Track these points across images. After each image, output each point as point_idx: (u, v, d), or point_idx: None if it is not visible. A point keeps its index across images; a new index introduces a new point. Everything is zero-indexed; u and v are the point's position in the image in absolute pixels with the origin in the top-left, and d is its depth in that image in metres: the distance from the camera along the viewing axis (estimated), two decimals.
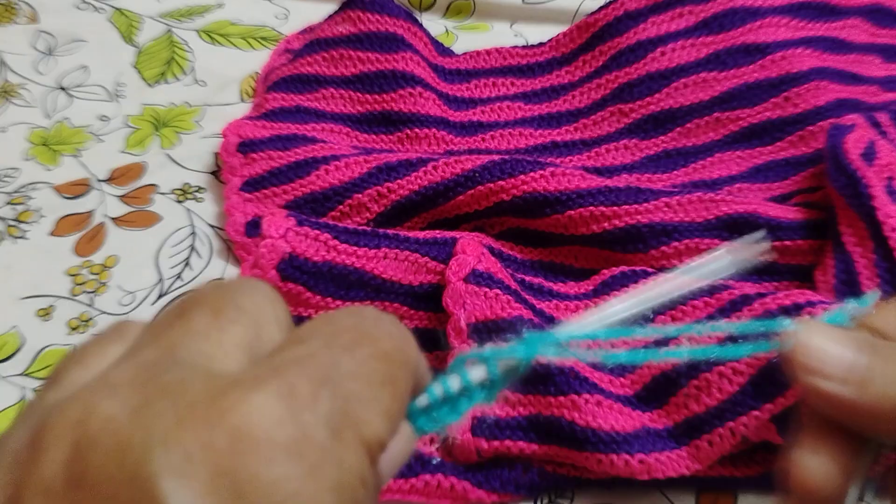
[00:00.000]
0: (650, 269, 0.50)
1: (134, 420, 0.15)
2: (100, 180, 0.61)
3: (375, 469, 0.18)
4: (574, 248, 0.53)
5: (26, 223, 0.58)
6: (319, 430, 0.16)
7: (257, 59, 0.70)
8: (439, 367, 0.46)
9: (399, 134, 0.61)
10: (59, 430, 0.15)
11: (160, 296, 0.54)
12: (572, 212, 0.51)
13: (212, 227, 0.57)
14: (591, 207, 0.51)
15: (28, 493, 0.14)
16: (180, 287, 0.54)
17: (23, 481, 0.15)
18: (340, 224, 0.53)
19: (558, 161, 0.59)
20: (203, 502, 0.14)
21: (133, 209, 0.59)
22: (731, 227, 0.51)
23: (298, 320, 0.38)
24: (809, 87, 0.58)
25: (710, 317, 0.44)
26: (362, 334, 0.19)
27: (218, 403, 0.15)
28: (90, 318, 0.52)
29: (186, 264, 0.55)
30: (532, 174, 0.52)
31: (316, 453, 0.16)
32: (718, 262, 0.23)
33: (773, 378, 0.40)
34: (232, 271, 0.55)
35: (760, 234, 0.24)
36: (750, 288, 0.46)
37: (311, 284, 0.49)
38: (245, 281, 0.19)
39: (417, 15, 0.72)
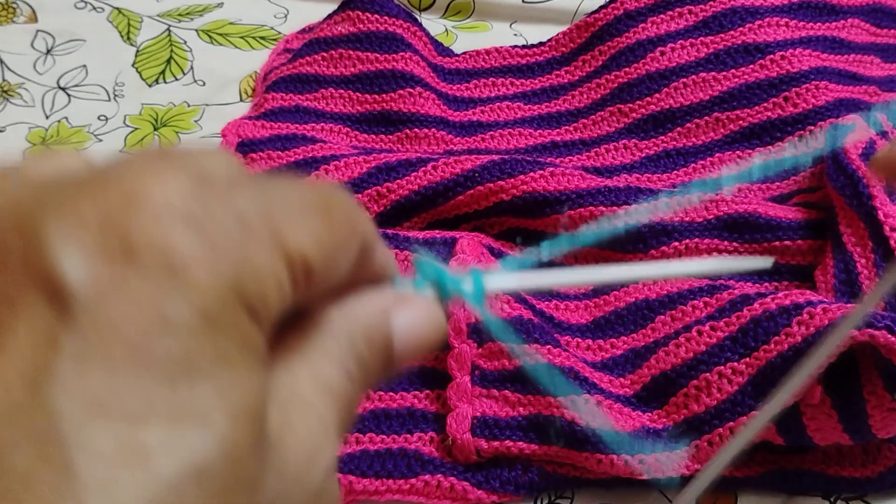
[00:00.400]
0: None
1: (40, 198, 0.14)
2: None
3: (296, 292, 0.16)
4: (573, 248, 0.53)
5: None
6: (228, 217, 0.15)
7: (257, 59, 0.70)
8: (439, 368, 0.46)
9: (399, 134, 0.61)
10: None
11: None
12: (572, 212, 0.51)
13: None
14: (590, 207, 0.51)
15: None
16: None
17: None
18: None
19: (558, 161, 0.59)
20: (90, 258, 0.13)
21: None
22: (731, 227, 0.51)
23: None
24: (809, 87, 0.58)
25: (710, 317, 0.44)
26: (305, 180, 0.17)
27: (125, 176, 0.14)
28: None
29: None
30: (531, 174, 0.52)
31: (218, 232, 0.14)
32: (714, 264, 0.23)
33: (772, 378, 0.40)
34: None
35: (769, 261, 0.22)
36: (750, 288, 0.46)
37: None
38: (201, 146, 0.18)
39: (417, 15, 0.72)
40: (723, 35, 0.61)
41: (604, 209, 0.51)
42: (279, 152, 0.58)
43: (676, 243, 0.51)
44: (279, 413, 0.16)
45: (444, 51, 0.68)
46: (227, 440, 0.13)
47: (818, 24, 0.64)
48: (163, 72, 0.69)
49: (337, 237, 0.17)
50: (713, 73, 0.60)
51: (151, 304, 0.13)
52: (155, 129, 0.65)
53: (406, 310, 0.18)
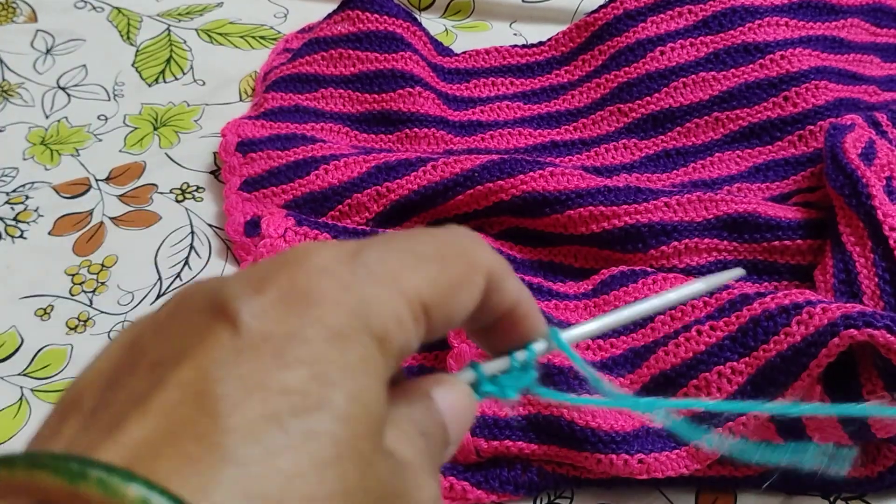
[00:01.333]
0: (649, 269, 0.50)
1: (224, 277, 0.20)
2: (99, 180, 0.61)
3: (418, 329, 0.20)
4: (573, 247, 0.53)
5: (25, 223, 0.58)
6: (358, 269, 0.19)
7: (256, 59, 0.70)
8: (439, 367, 0.46)
9: (398, 133, 0.61)
10: (175, 295, 0.20)
11: (158, 296, 0.54)
12: (572, 211, 0.51)
13: (211, 226, 0.57)
14: (590, 207, 0.51)
15: (143, 325, 0.20)
16: (179, 287, 0.54)
17: (140, 321, 0.20)
18: (340, 224, 0.53)
19: (557, 161, 0.59)
20: (255, 298, 0.18)
21: (132, 209, 0.59)
22: (731, 227, 0.51)
23: None
24: (809, 87, 0.58)
25: (710, 317, 0.44)
26: (427, 231, 0.22)
27: (284, 254, 0.20)
28: (89, 318, 0.52)
29: (185, 264, 0.55)
30: (531, 174, 0.52)
31: (349, 279, 0.19)
32: (694, 286, 0.26)
33: (772, 378, 0.40)
34: (231, 271, 0.55)
35: (740, 272, 0.27)
36: (749, 287, 0.46)
37: None
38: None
39: (417, 14, 0.72)
40: (722, 35, 0.61)
41: (603, 209, 0.51)
42: (279, 152, 0.58)
43: (676, 243, 0.51)
44: (394, 433, 0.20)
45: (444, 50, 0.68)
46: (340, 411, 0.17)
47: (818, 23, 0.64)
48: (162, 71, 0.69)
49: (451, 277, 0.21)
50: (713, 73, 0.60)
51: (292, 323, 0.18)
52: (155, 128, 0.65)
53: (442, 389, 0.22)
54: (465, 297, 0.21)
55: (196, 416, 0.17)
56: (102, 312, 0.53)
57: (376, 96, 0.62)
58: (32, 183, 0.61)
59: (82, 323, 0.52)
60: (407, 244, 0.21)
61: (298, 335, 0.18)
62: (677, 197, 0.52)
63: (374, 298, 0.19)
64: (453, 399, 0.22)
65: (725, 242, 0.51)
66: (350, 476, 0.17)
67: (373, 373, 0.19)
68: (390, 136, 0.61)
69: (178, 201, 0.59)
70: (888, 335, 0.38)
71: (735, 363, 0.42)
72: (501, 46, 0.68)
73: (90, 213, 0.58)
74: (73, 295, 0.54)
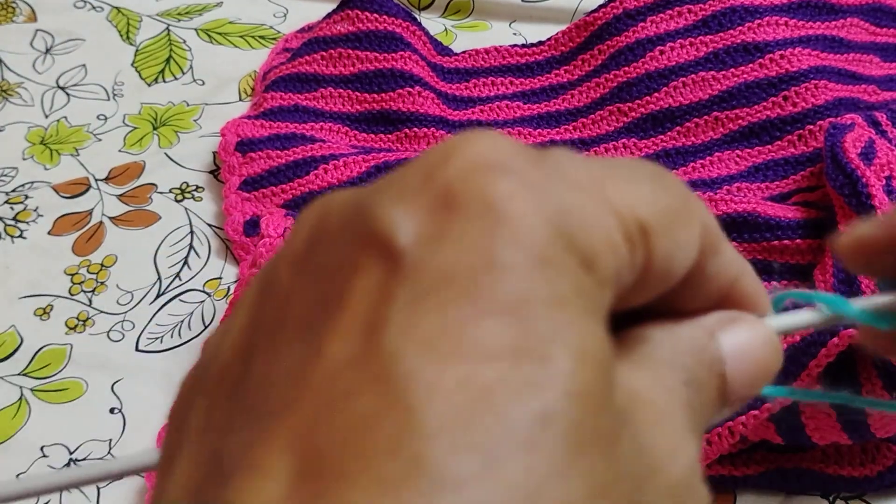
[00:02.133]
0: None
1: (373, 184, 0.15)
2: (98, 179, 0.61)
3: (634, 257, 0.14)
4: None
5: (24, 223, 0.58)
6: (548, 168, 0.14)
7: (256, 58, 0.70)
8: None
9: (398, 133, 0.61)
10: (307, 214, 0.15)
11: (158, 295, 0.54)
12: None
13: (210, 226, 0.57)
14: None
15: (279, 262, 0.15)
16: (178, 287, 0.54)
17: (276, 255, 0.15)
18: None
19: None
20: (414, 216, 0.13)
21: (131, 208, 0.59)
22: (730, 227, 0.51)
23: None
24: (808, 87, 0.58)
25: None
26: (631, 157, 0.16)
27: (441, 145, 0.14)
28: (88, 318, 0.52)
29: (185, 264, 0.55)
30: None
31: (539, 180, 0.14)
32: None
33: None
34: (230, 271, 0.55)
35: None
36: None
37: None
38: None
39: (416, 14, 0.72)
40: (722, 34, 0.61)
41: None
42: (278, 151, 0.58)
43: None
44: (639, 376, 0.15)
45: (444, 50, 0.68)
46: (571, 381, 0.12)
47: (817, 23, 0.64)
48: (162, 71, 0.69)
49: (670, 203, 0.15)
50: (712, 73, 0.60)
51: (478, 247, 0.13)
52: (154, 128, 0.65)
53: (735, 329, 0.17)
54: (687, 238, 0.15)
55: (379, 407, 0.12)
56: (102, 312, 0.53)
57: (376, 96, 0.62)
58: (32, 183, 0.61)
59: (82, 323, 0.52)
60: (607, 160, 0.15)
61: (489, 267, 0.13)
62: None
63: (575, 207, 0.14)
64: (747, 340, 0.16)
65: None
66: (598, 468, 0.12)
67: (595, 312, 0.13)
68: (390, 136, 0.61)
69: (177, 201, 0.59)
70: None
71: None
72: (501, 46, 0.68)
73: (89, 212, 0.58)
74: (72, 295, 0.54)
